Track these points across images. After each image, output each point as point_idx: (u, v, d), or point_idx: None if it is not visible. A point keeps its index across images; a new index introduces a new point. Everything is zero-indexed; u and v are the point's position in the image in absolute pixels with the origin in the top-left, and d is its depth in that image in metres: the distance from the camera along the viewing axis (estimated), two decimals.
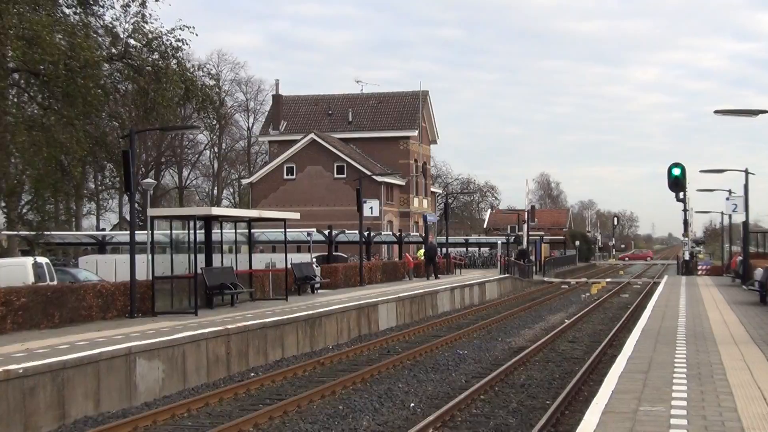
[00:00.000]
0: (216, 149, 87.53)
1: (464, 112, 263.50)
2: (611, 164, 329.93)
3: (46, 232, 35.36)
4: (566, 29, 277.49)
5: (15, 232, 34.25)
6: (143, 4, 30.16)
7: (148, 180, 40.42)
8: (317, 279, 33.59)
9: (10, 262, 28.07)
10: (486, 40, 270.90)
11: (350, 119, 71.24)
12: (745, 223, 40.39)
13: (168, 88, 29.87)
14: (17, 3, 26.57)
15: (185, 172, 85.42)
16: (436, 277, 45.92)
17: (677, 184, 38.20)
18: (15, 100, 30.07)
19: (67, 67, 26.55)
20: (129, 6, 30.20)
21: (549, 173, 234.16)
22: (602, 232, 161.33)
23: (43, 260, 28.79)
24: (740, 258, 42.56)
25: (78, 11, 29.63)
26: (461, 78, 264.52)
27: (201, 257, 25.73)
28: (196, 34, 30.58)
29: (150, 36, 30.15)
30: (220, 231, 27.93)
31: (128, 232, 27.57)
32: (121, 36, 30.53)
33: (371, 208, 57.27)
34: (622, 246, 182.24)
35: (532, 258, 65.71)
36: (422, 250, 53.39)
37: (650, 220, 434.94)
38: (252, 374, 19.50)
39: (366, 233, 45.38)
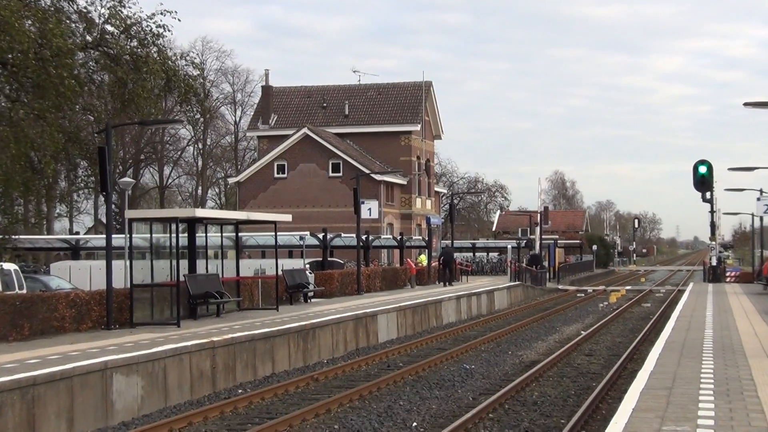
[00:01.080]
0: (200, 145, 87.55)
1: (471, 104, 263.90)
2: (631, 161, 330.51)
3: (14, 236, 35.34)
4: (582, 14, 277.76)
5: None
6: None
7: (126, 179, 40.41)
8: (311, 287, 33.60)
9: None
10: (495, 27, 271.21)
11: (347, 112, 71.26)
12: None
13: (148, 78, 29.84)
14: None
15: (166, 171, 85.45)
16: (447, 284, 46.86)
17: (704, 183, 38.25)
18: None
19: (37, 55, 26.53)
20: None
21: (563, 171, 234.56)
22: (622, 235, 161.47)
23: (11, 267, 28.78)
24: None
25: None
26: (468, 68, 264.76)
27: (184, 263, 25.74)
28: (179, 20, 30.55)
29: (128, 22, 30.12)
30: (204, 234, 27.92)
31: (104, 235, 27.57)
32: (97, 22, 30.50)
33: (369, 209, 57.32)
34: (644, 251, 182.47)
35: (545, 264, 65.70)
36: (423, 255, 53.61)
37: (674, 222, 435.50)
38: (239, 391, 19.51)
39: (364, 237, 45.40)
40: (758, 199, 43.29)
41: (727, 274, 57.56)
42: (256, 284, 30.28)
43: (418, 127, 69.95)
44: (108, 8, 30.07)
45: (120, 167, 72.86)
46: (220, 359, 19.85)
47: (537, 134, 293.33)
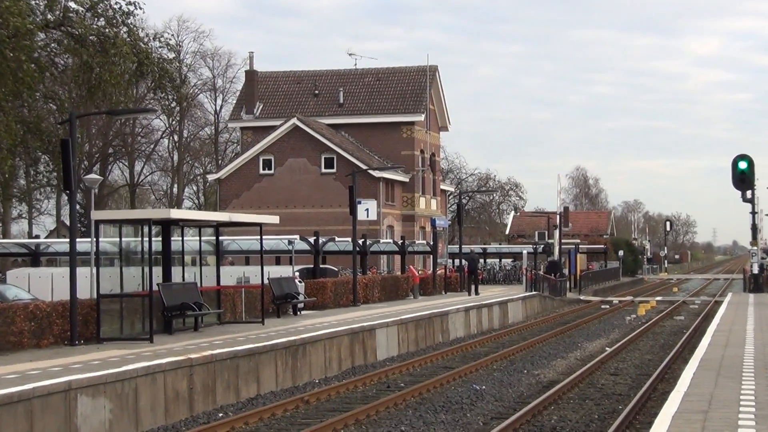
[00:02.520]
0: (176, 138, 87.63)
1: (482, 92, 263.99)
2: (663, 156, 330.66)
3: None
4: None
5: None
6: None
7: (93, 176, 40.42)
8: (301, 297, 33.63)
9: None
10: (509, 5, 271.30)
11: (341, 101, 71.32)
12: None
13: (117, 62, 29.88)
14: None
15: (138, 166, 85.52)
16: (477, 293, 48.69)
17: (744, 180, 38.26)
18: None
19: None
20: None
21: (586, 167, 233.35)
22: (652, 239, 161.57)
23: None
24: None
25: None
26: (478, 51, 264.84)
27: (157, 271, 25.74)
28: None
29: None
30: (181, 238, 27.91)
31: (67, 239, 27.57)
32: None
33: (367, 209, 57.30)
34: (677, 257, 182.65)
35: (566, 272, 65.67)
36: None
37: (711, 225, 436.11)
38: (220, 415, 19.51)
39: (361, 241, 45.42)
40: None
41: None
42: (239, 294, 30.27)
43: (421, 118, 69.98)
44: None
45: (86, 162, 72.91)
46: (199, 379, 19.84)
47: (556, 125, 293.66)
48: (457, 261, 57.18)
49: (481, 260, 73.78)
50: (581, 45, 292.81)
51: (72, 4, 30.44)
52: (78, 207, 55.31)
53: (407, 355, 30.51)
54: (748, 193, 44.69)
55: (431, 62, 72.83)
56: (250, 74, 72.78)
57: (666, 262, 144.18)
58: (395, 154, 68.64)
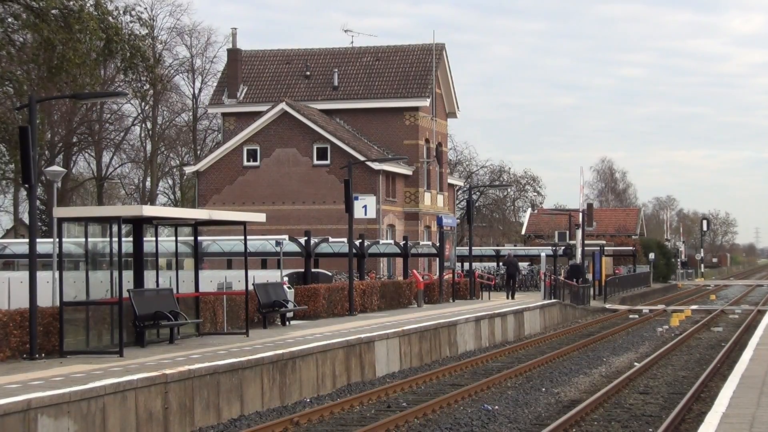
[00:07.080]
0: (149, 125, 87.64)
1: (496, 74, 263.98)
2: (699, 147, 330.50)
3: None
4: None
5: None
6: None
7: (55, 167, 40.45)
8: (290, 305, 33.65)
9: None
10: None
11: (336, 83, 71.30)
12: None
13: (82, 38, 29.85)
14: None
15: (106, 157, 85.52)
16: (513, 297, 52.61)
17: None
18: None
19: None
20: None
21: (613, 159, 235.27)
22: (686, 240, 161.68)
23: None
24: None
25: None
26: (492, 28, 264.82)
27: (128, 275, 25.74)
28: None
29: None
30: (154, 239, 27.89)
31: (27, 240, 27.58)
32: None
33: (365, 206, 57.27)
34: (714, 260, 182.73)
35: (589, 277, 65.66)
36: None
37: (753, 224, 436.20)
38: None
39: (358, 242, 45.44)
40: None
41: None
42: (220, 302, 30.28)
43: (427, 103, 69.95)
44: None
45: (47, 152, 72.91)
46: (175, 397, 19.85)
47: (579, 112, 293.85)
48: (466, 265, 57.18)
49: (494, 264, 73.86)
50: (608, 22, 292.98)
51: None
52: (38, 203, 55.31)
53: (410, 371, 30.54)
54: None
55: (438, 40, 72.74)
56: (233, 53, 72.75)
57: (702, 266, 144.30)
58: (397, 143, 68.60)
